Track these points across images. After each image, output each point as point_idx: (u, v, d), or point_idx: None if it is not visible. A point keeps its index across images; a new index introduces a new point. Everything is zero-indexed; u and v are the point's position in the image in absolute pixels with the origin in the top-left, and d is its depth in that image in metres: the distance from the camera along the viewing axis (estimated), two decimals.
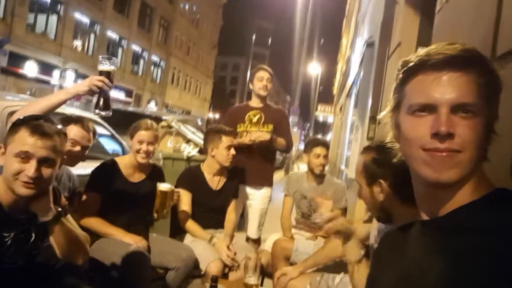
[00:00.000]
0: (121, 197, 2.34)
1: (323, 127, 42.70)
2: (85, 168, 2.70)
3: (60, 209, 1.44)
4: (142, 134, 2.33)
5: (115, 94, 25.82)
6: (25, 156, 1.26)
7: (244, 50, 56.30)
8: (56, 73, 20.66)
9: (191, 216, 2.60)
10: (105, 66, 1.75)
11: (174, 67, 33.50)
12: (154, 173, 2.52)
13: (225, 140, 2.64)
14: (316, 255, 2.12)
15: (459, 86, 0.73)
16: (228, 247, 2.43)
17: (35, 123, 1.29)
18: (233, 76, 58.34)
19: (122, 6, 25.24)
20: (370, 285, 0.94)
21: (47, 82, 20.22)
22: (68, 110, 2.93)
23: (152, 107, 30.78)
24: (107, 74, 1.73)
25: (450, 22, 2.13)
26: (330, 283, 1.94)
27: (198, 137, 4.32)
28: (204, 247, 2.44)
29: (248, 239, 3.17)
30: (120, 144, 3.95)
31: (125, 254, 2.07)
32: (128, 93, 27.77)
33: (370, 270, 0.98)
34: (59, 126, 1.43)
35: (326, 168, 3.03)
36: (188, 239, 2.57)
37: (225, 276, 2.43)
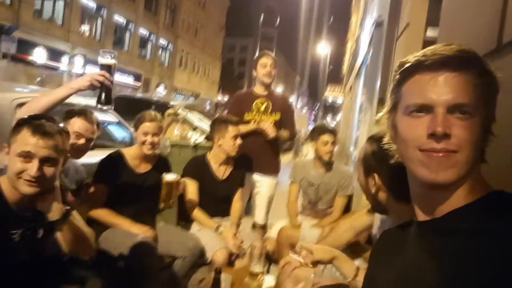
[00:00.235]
0: (128, 188, 2.37)
1: (333, 108, 42.41)
2: (94, 157, 2.75)
3: (68, 207, 1.47)
4: (147, 126, 2.34)
5: (123, 79, 25.92)
6: (27, 156, 1.28)
7: (251, 31, 55.59)
8: (64, 59, 20.73)
9: (197, 205, 2.62)
10: (106, 60, 1.75)
11: (182, 50, 33.35)
12: (160, 164, 2.55)
13: (232, 130, 2.64)
14: (321, 244, 2.13)
15: (456, 87, 0.73)
16: (234, 236, 2.46)
17: (36, 123, 1.30)
18: (241, 58, 57.84)
19: None
20: (368, 282, 0.95)
21: (56, 69, 20.33)
22: (77, 99, 2.92)
23: (160, 91, 30.84)
24: (108, 68, 1.73)
25: (457, 6, 2.07)
26: (335, 270, 1.95)
27: (205, 124, 4.33)
28: (211, 236, 2.47)
29: (255, 225, 3.20)
30: (128, 131, 3.98)
31: (132, 244, 2.11)
32: (137, 78, 27.79)
33: (368, 266, 0.98)
34: (61, 125, 1.44)
35: (336, 149, 3.01)
36: (195, 227, 2.61)
37: (231, 264, 2.46)
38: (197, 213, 2.60)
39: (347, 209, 2.92)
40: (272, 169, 3.17)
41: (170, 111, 4.29)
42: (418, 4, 3.72)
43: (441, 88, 0.73)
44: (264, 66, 3.05)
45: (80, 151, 2.05)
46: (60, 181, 1.99)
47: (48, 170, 1.31)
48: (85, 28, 21.96)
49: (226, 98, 42.01)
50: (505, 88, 0.77)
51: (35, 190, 1.30)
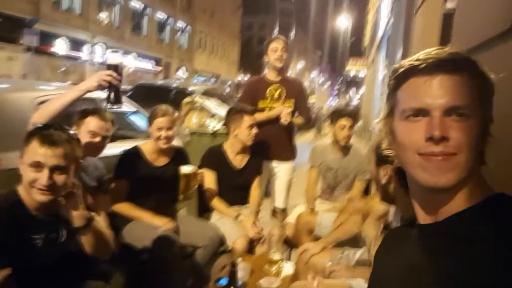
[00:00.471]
0: (148, 181, 2.43)
1: (356, 81, 41.55)
2: (119, 148, 2.91)
3: (92, 213, 1.53)
4: (160, 121, 2.37)
5: (143, 64, 26.15)
6: (37, 166, 1.33)
7: (269, 7, 54.57)
8: (85, 48, 21.06)
9: (216, 195, 2.67)
10: (112, 60, 1.77)
11: (200, 32, 33.23)
12: (178, 156, 2.59)
13: (247, 120, 2.64)
14: (337, 231, 2.14)
15: (451, 89, 0.72)
16: (253, 224, 2.50)
17: (45, 133, 1.35)
18: (260, 36, 56.95)
19: None
20: (372, 281, 0.96)
21: (78, 58, 20.71)
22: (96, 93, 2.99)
23: (181, 75, 30.99)
24: (115, 68, 1.75)
25: None
26: (351, 257, 1.97)
27: (222, 111, 4.34)
28: (230, 225, 2.52)
29: (275, 210, 3.24)
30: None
31: (154, 236, 2.18)
32: (157, 62, 27.99)
33: (373, 265, 0.99)
34: (72, 132, 1.48)
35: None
36: (215, 216, 2.66)
37: (251, 251, 2.51)
38: (216, 202, 2.65)
39: (365, 193, 2.90)
40: (289, 155, 3.17)
41: (187, 99, 4.32)
42: None
43: (436, 91, 0.72)
44: (275, 50, 3.00)
45: (96, 149, 2.10)
46: (81, 180, 2.08)
47: (59, 178, 1.36)
48: (103, 16, 22.15)
49: (246, 78, 41.82)
50: None
51: (48, 198, 1.36)
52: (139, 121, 4.04)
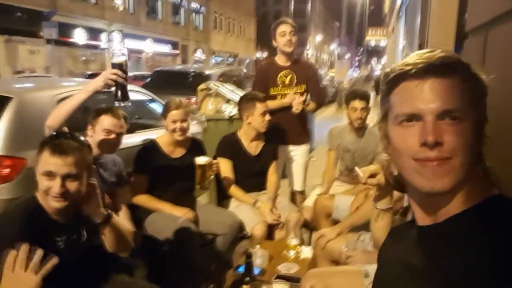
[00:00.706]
0: (166, 173, 2.49)
1: (377, 51, 40.43)
2: (141, 136, 3.20)
3: (109, 211, 1.60)
4: (174, 114, 2.41)
5: (160, 48, 26.20)
6: (50, 174, 1.39)
7: None
8: (103, 36, 21.27)
9: (234, 182, 2.71)
10: (116, 59, 1.80)
11: (214, 12, 32.88)
12: (194, 146, 2.63)
13: (260, 107, 2.64)
14: (353, 216, 2.15)
15: (443, 93, 0.72)
16: (271, 211, 2.53)
17: (55, 143, 1.40)
18: (276, 9, 55.80)
19: None
20: (376, 280, 0.98)
21: (97, 47, 20.97)
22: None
23: (199, 56, 30.94)
24: (120, 66, 1.78)
25: None
26: (368, 242, 1.98)
27: (237, 96, 4.34)
28: (248, 211, 2.57)
29: (293, 193, 3.27)
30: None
31: (174, 227, 2.25)
32: (174, 45, 27.99)
33: (377, 260, 1.00)
34: (82, 138, 1.53)
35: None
36: (233, 204, 2.71)
37: (270, 236, 2.56)
38: (234, 190, 2.69)
39: None
40: (303, 139, 3.17)
41: (202, 86, 4.33)
42: None
43: (428, 96, 0.72)
44: (283, 35, 2.93)
45: (112, 146, 2.15)
46: (101, 176, 2.16)
47: (71, 185, 1.41)
48: (118, 2, 22.21)
49: (264, 55, 41.33)
50: None
51: (63, 205, 1.42)
52: (159, 109, 4.09)
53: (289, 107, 2.89)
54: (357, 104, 2.74)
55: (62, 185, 1.38)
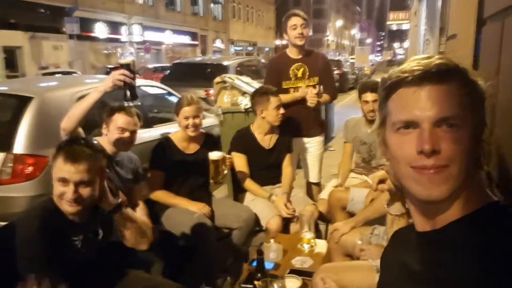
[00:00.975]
0: (181, 169, 2.53)
1: (400, 35, 39.39)
2: (159, 129, 3.41)
3: (119, 200, 1.64)
4: (186, 110, 2.43)
5: (180, 39, 26.30)
6: (63, 181, 1.44)
7: None
8: (123, 30, 21.54)
9: (248, 176, 2.73)
10: (124, 59, 1.83)
11: (233, 1, 32.69)
12: (208, 141, 2.66)
13: (274, 101, 2.64)
14: (367, 209, 2.13)
15: (439, 100, 0.71)
16: (286, 205, 2.54)
17: (68, 150, 1.44)
18: None
19: None
20: (380, 277, 0.98)
21: (118, 40, 21.26)
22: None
23: (218, 45, 30.92)
24: (127, 66, 1.81)
25: None
26: (382, 235, 1.97)
27: (253, 88, 4.34)
28: (263, 205, 2.59)
29: (309, 185, 3.26)
30: None
31: (190, 223, 2.29)
32: (193, 36, 28.05)
33: (380, 263, 1.00)
34: (95, 143, 1.57)
35: None
36: (248, 197, 2.73)
37: (285, 230, 2.58)
38: (249, 183, 2.71)
39: None
40: (317, 131, 3.16)
41: (217, 79, 4.32)
42: None
43: (425, 103, 0.71)
44: (294, 28, 2.89)
45: (127, 143, 2.20)
46: (117, 174, 2.21)
47: (84, 191, 1.46)
48: None
49: (284, 42, 40.88)
50: None
51: (76, 209, 1.47)
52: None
53: (302, 100, 2.87)
54: (369, 96, 2.70)
55: (75, 191, 1.43)
